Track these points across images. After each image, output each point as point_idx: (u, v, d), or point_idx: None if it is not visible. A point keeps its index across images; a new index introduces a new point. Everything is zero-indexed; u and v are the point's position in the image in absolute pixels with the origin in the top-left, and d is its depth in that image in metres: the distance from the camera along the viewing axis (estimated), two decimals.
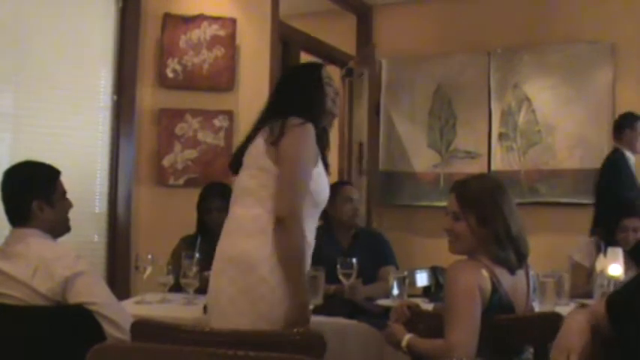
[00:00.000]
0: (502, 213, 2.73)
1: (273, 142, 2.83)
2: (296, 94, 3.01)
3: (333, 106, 3.04)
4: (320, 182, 2.91)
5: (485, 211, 2.73)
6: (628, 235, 4.42)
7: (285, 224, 2.77)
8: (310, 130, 2.87)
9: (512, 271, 2.72)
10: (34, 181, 2.89)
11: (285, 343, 2.23)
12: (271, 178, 2.82)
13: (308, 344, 2.24)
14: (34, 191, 2.85)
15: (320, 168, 2.93)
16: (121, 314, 2.76)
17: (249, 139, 2.96)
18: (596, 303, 2.37)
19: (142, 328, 2.37)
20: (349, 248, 4.27)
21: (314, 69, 3.14)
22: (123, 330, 2.65)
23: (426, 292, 4.23)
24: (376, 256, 4.27)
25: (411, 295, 3.96)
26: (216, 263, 2.88)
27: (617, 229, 4.45)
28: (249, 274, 2.76)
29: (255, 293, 2.74)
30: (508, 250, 2.71)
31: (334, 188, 4.44)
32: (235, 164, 3.00)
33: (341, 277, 3.64)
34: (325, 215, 4.37)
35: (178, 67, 5.22)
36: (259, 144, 2.88)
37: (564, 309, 2.59)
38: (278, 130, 2.84)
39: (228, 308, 2.76)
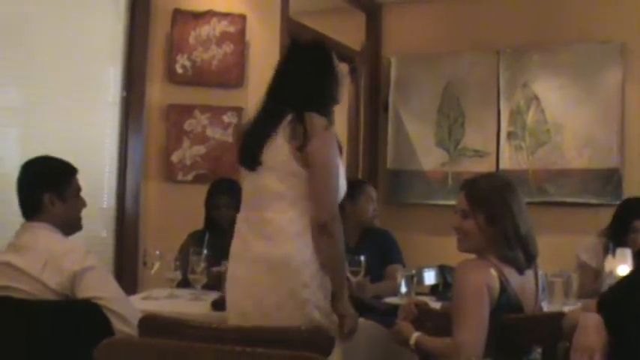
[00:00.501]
0: (511, 212, 2.73)
1: (300, 148, 2.80)
2: (311, 83, 2.97)
3: (342, 92, 3.03)
4: (342, 180, 2.92)
5: (494, 210, 2.73)
6: (637, 236, 4.41)
7: (328, 228, 2.78)
8: (334, 130, 2.87)
9: (520, 270, 2.72)
10: (48, 174, 2.91)
11: (292, 340, 2.23)
12: (301, 181, 2.82)
13: (316, 341, 2.24)
14: (48, 184, 2.87)
15: (341, 165, 2.92)
16: (129, 309, 2.77)
17: (265, 135, 2.89)
18: (589, 302, 2.37)
19: (150, 323, 2.37)
20: (357, 246, 4.27)
21: (324, 51, 3.08)
22: (131, 325, 2.66)
23: (434, 290, 4.23)
24: (383, 255, 4.28)
25: (418, 294, 3.97)
26: (252, 267, 2.84)
27: (627, 230, 4.44)
28: (293, 278, 2.77)
29: (301, 297, 2.76)
30: (517, 250, 2.71)
31: (357, 187, 4.45)
32: (250, 160, 2.94)
33: (349, 275, 3.64)
34: None
35: (187, 63, 5.22)
36: (283, 147, 2.84)
37: (572, 309, 2.58)
38: (303, 134, 2.80)
39: (275, 313, 2.75)
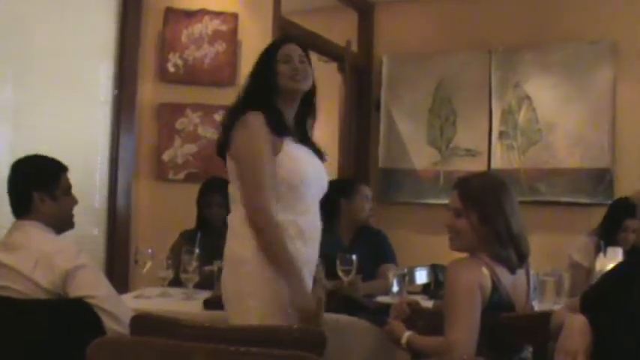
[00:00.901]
0: (504, 212, 2.73)
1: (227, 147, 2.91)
2: (247, 81, 3.06)
3: (289, 82, 2.96)
4: (291, 165, 2.88)
5: (487, 209, 2.73)
6: (628, 235, 4.43)
7: (253, 223, 2.80)
8: (250, 120, 2.85)
9: (512, 270, 2.73)
10: (37, 172, 2.90)
11: (285, 340, 2.23)
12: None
13: (308, 341, 2.24)
14: (37, 182, 2.86)
15: (286, 151, 2.89)
16: (121, 308, 2.76)
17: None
18: (574, 300, 2.37)
19: (142, 322, 2.37)
20: (351, 245, 4.28)
21: (267, 48, 3.10)
22: (123, 324, 2.65)
23: (426, 289, 4.23)
24: (376, 254, 4.27)
25: (410, 293, 3.97)
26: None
27: (618, 229, 4.46)
28: (234, 272, 2.85)
29: (240, 291, 2.81)
30: (509, 249, 2.72)
31: (352, 186, 4.45)
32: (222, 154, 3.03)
33: (340, 274, 3.64)
34: (329, 211, 4.37)
35: (179, 62, 5.22)
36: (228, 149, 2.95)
37: (559, 308, 2.59)
38: (225, 134, 2.93)
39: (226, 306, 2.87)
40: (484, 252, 2.71)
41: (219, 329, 2.38)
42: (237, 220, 2.87)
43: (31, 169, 2.92)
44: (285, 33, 5.47)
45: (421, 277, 4.85)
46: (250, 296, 2.77)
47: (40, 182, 2.87)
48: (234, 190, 2.94)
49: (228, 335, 2.29)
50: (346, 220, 4.37)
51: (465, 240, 2.76)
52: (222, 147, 2.97)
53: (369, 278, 4.01)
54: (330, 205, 4.33)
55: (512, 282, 2.73)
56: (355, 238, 4.37)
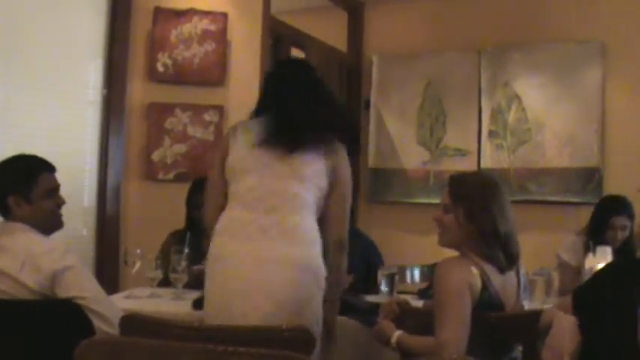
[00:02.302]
0: (491, 211, 2.74)
1: (332, 166, 2.97)
2: (333, 109, 3.15)
3: None
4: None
5: (473, 207, 2.74)
6: (616, 233, 4.45)
7: (343, 247, 2.99)
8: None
9: (501, 270, 2.73)
10: (11, 176, 2.87)
11: (274, 340, 2.23)
12: (321, 196, 2.97)
13: (297, 340, 2.24)
14: (11, 187, 2.83)
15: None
16: (110, 309, 2.75)
17: (296, 146, 2.96)
18: (565, 299, 2.38)
19: (131, 322, 2.36)
20: None
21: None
22: (112, 324, 2.65)
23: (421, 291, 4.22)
24: (363, 257, 4.22)
25: (404, 293, 3.97)
26: (271, 268, 2.86)
27: (605, 227, 4.48)
28: (314, 280, 2.90)
29: (316, 299, 2.90)
30: (495, 249, 2.72)
31: None
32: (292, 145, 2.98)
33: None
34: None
35: (169, 62, 5.21)
36: (318, 162, 2.95)
37: (549, 307, 2.59)
38: (334, 154, 2.98)
39: (296, 313, 2.82)
40: (471, 250, 2.72)
41: (208, 329, 2.38)
42: (311, 227, 2.93)
43: (5, 173, 2.89)
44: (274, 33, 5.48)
45: (413, 276, 4.86)
46: (318, 304, 2.89)
47: (14, 186, 2.83)
48: (309, 200, 2.94)
49: (217, 335, 2.28)
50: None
51: (452, 236, 2.77)
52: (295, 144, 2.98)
53: (357, 284, 3.96)
54: None
55: (502, 281, 2.74)
56: None
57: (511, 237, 2.77)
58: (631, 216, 4.55)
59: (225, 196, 2.99)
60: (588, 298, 2.12)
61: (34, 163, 2.92)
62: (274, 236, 2.86)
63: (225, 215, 2.94)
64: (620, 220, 4.47)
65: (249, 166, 2.94)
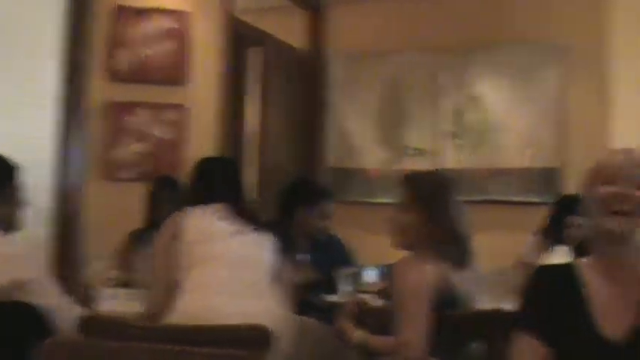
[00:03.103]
0: (449, 210, 2.76)
1: None
2: None
3: None
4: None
5: (432, 206, 2.76)
6: (574, 232, 4.50)
7: None
8: None
9: (457, 267, 2.75)
10: None
11: (231, 338, 2.23)
12: None
13: (253, 338, 2.24)
14: None
15: None
16: (70, 310, 2.73)
17: None
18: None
19: (91, 323, 2.34)
20: (307, 253, 4.22)
21: None
22: (70, 326, 2.62)
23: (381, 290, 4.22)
24: (335, 261, 4.19)
25: (365, 292, 3.98)
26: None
27: (562, 227, 4.53)
28: None
29: None
30: (453, 247, 2.74)
31: (315, 198, 4.38)
32: None
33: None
34: (285, 211, 4.35)
35: (130, 60, 5.18)
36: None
37: (512, 306, 2.61)
38: None
39: None
40: (429, 249, 2.73)
41: (168, 329, 2.37)
42: None
43: None
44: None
45: (371, 276, 4.87)
46: None
47: None
48: None
49: (176, 335, 2.27)
50: (299, 227, 4.33)
51: (409, 236, 2.78)
52: None
53: (328, 285, 3.96)
54: (287, 207, 4.33)
55: (459, 280, 2.76)
56: (312, 247, 4.32)
57: (467, 234, 2.79)
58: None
59: None
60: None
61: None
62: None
63: None
64: (578, 219, 4.52)
65: None
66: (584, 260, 2.12)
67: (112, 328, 2.29)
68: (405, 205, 2.79)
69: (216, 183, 3.24)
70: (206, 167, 3.34)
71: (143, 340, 2.13)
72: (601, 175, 2.08)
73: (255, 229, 3.13)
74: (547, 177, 5.85)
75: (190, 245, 3.01)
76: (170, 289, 2.96)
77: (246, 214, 3.16)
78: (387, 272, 4.39)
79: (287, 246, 3.93)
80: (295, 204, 4.29)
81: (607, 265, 2.06)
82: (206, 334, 2.31)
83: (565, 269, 2.14)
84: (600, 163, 2.13)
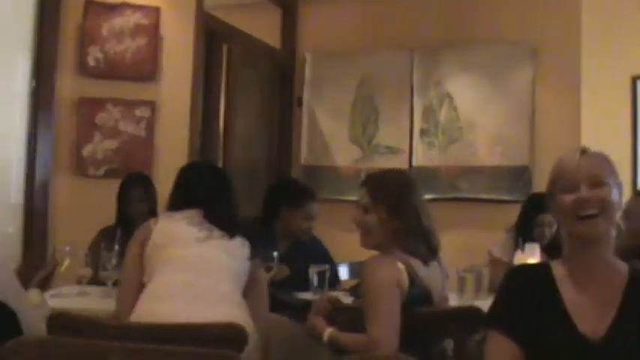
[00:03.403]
0: (412, 205, 2.79)
1: None
2: None
3: None
4: None
5: (395, 203, 2.78)
6: (544, 230, 4.53)
7: None
8: None
9: (425, 261, 2.77)
10: None
11: (205, 337, 2.22)
12: None
13: (229, 337, 2.23)
14: None
15: None
16: (39, 309, 2.70)
17: None
18: None
19: (59, 321, 2.32)
20: (287, 253, 4.19)
21: None
22: (39, 324, 2.59)
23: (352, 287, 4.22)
24: (313, 259, 4.17)
25: (333, 289, 3.98)
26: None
27: (533, 225, 4.55)
28: None
29: None
30: (419, 242, 2.76)
31: (299, 199, 4.36)
32: None
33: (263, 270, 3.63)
34: (268, 211, 4.34)
35: (100, 56, 5.13)
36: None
37: (483, 303, 2.62)
38: None
39: None
40: (396, 247, 2.74)
41: (138, 327, 2.35)
42: None
43: None
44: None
45: (344, 273, 4.88)
46: None
47: None
48: None
49: (148, 333, 2.26)
50: (281, 226, 4.32)
51: (376, 236, 2.80)
52: None
53: (302, 283, 3.95)
54: (271, 206, 4.32)
55: (428, 273, 2.78)
56: (291, 249, 4.30)
57: (432, 229, 2.82)
58: None
59: None
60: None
61: None
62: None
63: None
64: (547, 218, 4.55)
65: None
66: (558, 261, 2.14)
67: (81, 327, 2.27)
68: (367, 206, 2.82)
69: (192, 189, 3.22)
70: (185, 173, 3.33)
71: (114, 338, 2.11)
72: (559, 183, 2.11)
73: (231, 235, 3.09)
74: (516, 175, 5.89)
75: (155, 249, 2.99)
76: (137, 291, 2.94)
77: (223, 219, 3.12)
78: (359, 269, 4.41)
79: (268, 245, 3.94)
80: (280, 205, 4.29)
81: (581, 266, 2.08)
82: (180, 332, 2.30)
83: (540, 269, 2.17)
84: (556, 170, 2.16)
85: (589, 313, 2.03)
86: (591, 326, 2.00)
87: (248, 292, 3.05)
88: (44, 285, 3.23)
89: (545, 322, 2.04)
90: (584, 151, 2.14)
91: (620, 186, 2.12)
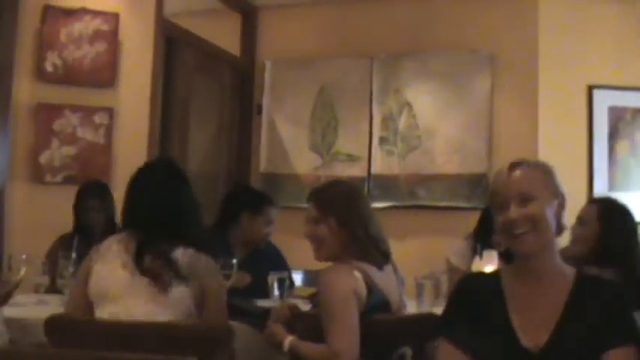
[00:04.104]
0: (358, 214, 2.84)
1: None
2: None
3: None
4: None
5: (342, 212, 2.82)
6: (499, 236, 4.56)
7: None
8: None
9: (379, 267, 2.80)
10: None
11: (190, 336, 2.22)
12: None
13: (214, 336, 2.24)
14: None
15: None
16: None
17: None
18: None
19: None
20: (245, 260, 4.17)
21: None
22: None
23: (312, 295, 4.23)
24: (270, 267, 4.17)
25: (292, 297, 3.98)
26: None
27: (491, 232, 4.59)
28: None
29: None
30: (370, 248, 2.80)
31: (260, 204, 4.35)
32: None
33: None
34: (226, 216, 4.32)
35: (58, 61, 5.09)
36: None
37: (441, 310, 2.64)
38: None
39: None
40: (349, 255, 2.77)
41: (128, 325, 2.35)
42: None
43: None
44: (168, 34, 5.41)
45: (303, 281, 4.89)
46: None
47: None
48: None
49: (134, 331, 2.26)
50: (240, 233, 4.30)
51: (328, 247, 2.83)
52: None
53: (260, 290, 3.94)
54: (231, 213, 4.31)
55: (384, 280, 2.80)
56: (249, 256, 4.29)
57: (381, 237, 2.88)
58: None
59: None
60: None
61: None
62: None
63: None
64: None
65: None
66: (508, 268, 2.19)
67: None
68: (317, 219, 2.85)
69: (131, 208, 2.88)
70: (131, 185, 2.97)
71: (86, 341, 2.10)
72: (493, 201, 2.17)
73: (164, 287, 2.67)
74: (474, 182, 5.93)
75: (92, 299, 2.78)
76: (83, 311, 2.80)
77: (157, 253, 2.70)
78: (317, 277, 4.42)
79: (224, 252, 3.92)
80: (240, 211, 4.28)
81: (524, 275, 2.13)
82: (164, 330, 2.30)
83: (489, 279, 2.23)
84: (491, 187, 2.23)
85: (532, 324, 2.05)
86: (533, 338, 2.03)
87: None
88: (3, 302, 3.09)
89: (489, 335, 2.06)
90: (512, 167, 2.16)
91: (557, 195, 2.14)
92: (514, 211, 2.08)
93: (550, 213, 2.10)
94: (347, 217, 2.82)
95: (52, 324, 2.41)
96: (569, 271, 2.15)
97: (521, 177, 2.13)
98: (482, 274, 2.48)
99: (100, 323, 2.44)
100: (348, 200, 2.88)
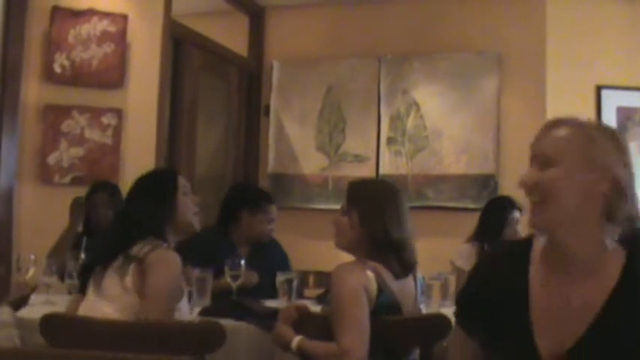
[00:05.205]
0: (383, 217, 2.78)
1: None
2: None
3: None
4: None
5: (366, 210, 2.80)
6: (514, 228, 4.59)
7: None
8: None
9: (396, 276, 2.76)
10: None
11: (184, 335, 2.22)
12: None
13: (207, 335, 2.23)
14: None
15: None
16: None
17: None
18: None
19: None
20: (248, 258, 4.18)
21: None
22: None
23: (320, 296, 4.23)
24: (274, 265, 4.17)
25: (300, 298, 3.98)
26: None
27: (504, 226, 4.61)
28: None
29: None
30: (388, 254, 2.76)
31: (260, 201, 4.36)
32: None
33: (229, 279, 3.62)
34: (228, 216, 4.32)
35: (66, 63, 5.09)
36: None
37: (450, 311, 2.64)
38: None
39: None
40: (365, 254, 2.76)
41: (121, 324, 2.35)
42: None
43: None
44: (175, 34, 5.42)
45: (311, 282, 4.88)
46: None
47: None
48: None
49: (126, 330, 2.26)
50: (242, 231, 4.31)
51: (345, 237, 2.83)
52: None
53: (270, 290, 3.94)
54: (231, 210, 4.31)
55: (399, 285, 2.78)
56: (253, 253, 4.30)
57: (405, 244, 2.81)
58: (520, 210, 4.72)
59: None
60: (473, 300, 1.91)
61: None
62: None
63: None
64: (516, 214, 4.64)
65: None
66: (540, 251, 1.81)
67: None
68: (343, 209, 2.84)
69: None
70: None
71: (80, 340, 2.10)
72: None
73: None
74: (482, 183, 5.93)
75: None
76: None
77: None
78: (326, 278, 4.42)
79: (230, 252, 3.93)
80: (240, 208, 4.28)
81: (553, 255, 1.77)
82: (158, 329, 2.30)
83: (516, 253, 1.86)
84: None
85: (557, 319, 1.71)
86: (555, 337, 1.70)
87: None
88: (19, 306, 3.12)
89: (503, 328, 1.78)
90: (554, 123, 1.87)
91: (594, 168, 1.72)
92: (527, 173, 1.77)
93: (576, 186, 1.70)
94: (369, 215, 2.79)
95: (47, 323, 2.41)
96: (618, 254, 1.72)
97: (552, 136, 1.81)
98: (508, 247, 2.06)
99: (92, 322, 2.43)
100: (375, 199, 2.84)
